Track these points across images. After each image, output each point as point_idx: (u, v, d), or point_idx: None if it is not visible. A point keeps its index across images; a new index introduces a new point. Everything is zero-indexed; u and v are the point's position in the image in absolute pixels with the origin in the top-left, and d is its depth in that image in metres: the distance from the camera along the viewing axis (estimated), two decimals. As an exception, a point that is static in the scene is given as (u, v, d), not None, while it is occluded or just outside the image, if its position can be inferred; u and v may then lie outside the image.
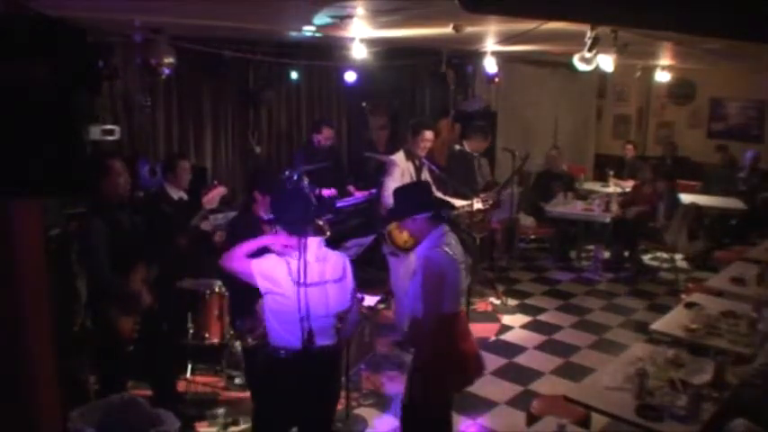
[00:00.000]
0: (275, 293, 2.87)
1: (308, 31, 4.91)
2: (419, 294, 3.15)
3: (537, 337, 5.75)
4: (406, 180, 4.99)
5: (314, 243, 2.94)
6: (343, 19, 3.96)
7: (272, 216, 3.06)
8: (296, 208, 2.91)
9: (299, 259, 2.83)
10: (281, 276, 2.85)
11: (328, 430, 3.20)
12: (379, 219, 5.35)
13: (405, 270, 4.82)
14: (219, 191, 4.37)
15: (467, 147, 6.16)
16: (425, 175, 5.29)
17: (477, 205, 5.55)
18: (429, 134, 5.23)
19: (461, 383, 3.47)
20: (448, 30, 4.31)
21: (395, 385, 4.68)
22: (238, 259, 2.91)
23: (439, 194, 5.03)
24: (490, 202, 5.64)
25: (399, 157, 5.23)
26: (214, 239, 4.47)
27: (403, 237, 4.92)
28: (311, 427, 3.12)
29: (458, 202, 5.30)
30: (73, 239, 4.20)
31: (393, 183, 4.82)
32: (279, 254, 2.92)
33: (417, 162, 5.26)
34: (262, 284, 2.88)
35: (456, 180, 5.67)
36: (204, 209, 4.29)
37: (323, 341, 2.92)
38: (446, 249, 3.12)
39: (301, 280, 2.82)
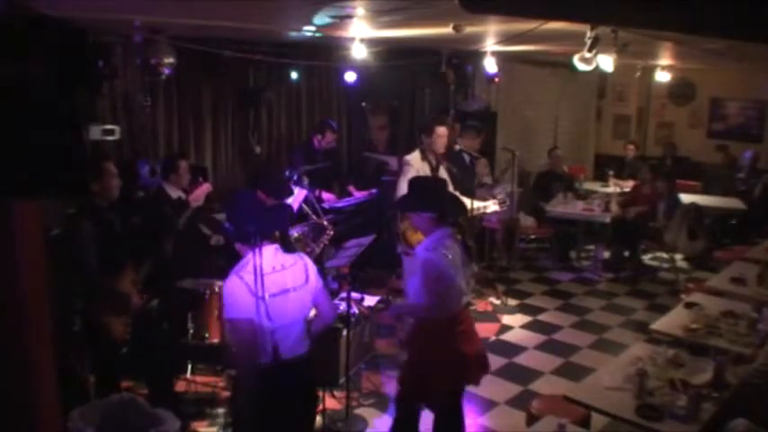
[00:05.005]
0: (239, 312, 2.73)
1: (308, 31, 4.90)
2: (419, 295, 3.16)
3: (537, 337, 5.75)
4: None
5: (269, 252, 2.79)
6: (343, 19, 3.96)
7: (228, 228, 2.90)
8: (250, 220, 2.77)
9: (255, 270, 2.65)
10: (241, 295, 2.70)
11: None
12: (383, 218, 5.34)
13: None
14: (205, 188, 4.35)
15: (461, 145, 6.18)
16: (443, 175, 5.29)
17: (494, 207, 5.54)
18: (442, 130, 5.26)
19: (463, 381, 3.47)
20: (448, 30, 4.31)
21: (395, 385, 4.67)
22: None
23: (456, 194, 5.05)
24: (507, 202, 5.64)
25: (414, 157, 5.23)
26: (210, 243, 4.46)
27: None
28: None
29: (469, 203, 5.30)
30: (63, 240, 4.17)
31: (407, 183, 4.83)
32: (236, 274, 2.77)
33: (434, 162, 5.26)
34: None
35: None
36: (191, 206, 4.28)
37: (295, 351, 2.83)
38: (444, 252, 3.12)
39: (259, 294, 2.66)
